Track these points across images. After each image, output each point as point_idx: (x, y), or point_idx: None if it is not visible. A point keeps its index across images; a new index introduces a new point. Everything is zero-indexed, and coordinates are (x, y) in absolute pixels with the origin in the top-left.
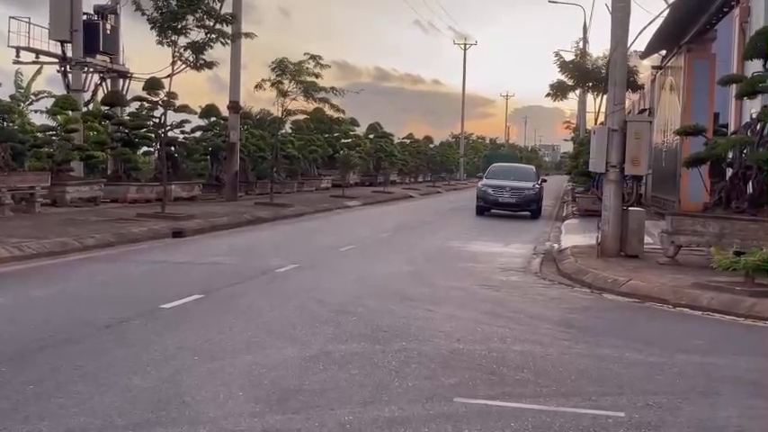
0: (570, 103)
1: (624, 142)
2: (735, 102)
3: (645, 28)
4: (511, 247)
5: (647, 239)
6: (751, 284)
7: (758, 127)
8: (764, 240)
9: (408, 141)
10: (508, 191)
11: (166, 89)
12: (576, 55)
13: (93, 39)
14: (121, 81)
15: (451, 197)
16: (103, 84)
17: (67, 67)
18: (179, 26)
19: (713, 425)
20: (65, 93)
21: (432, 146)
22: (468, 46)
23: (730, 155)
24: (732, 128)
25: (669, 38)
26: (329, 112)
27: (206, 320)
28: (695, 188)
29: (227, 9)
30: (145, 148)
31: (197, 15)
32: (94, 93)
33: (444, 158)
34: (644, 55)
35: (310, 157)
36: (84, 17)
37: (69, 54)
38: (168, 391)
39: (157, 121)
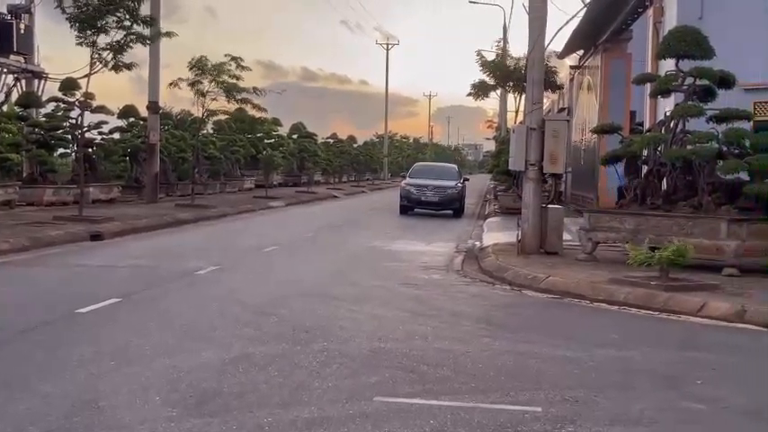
0: (492, 103)
1: (543, 141)
2: (649, 100)
3: (561, 28)
4: (433, 245)
5: (566, 236)
6: (665, 279)
7: (671, 125)
8: (678, 235)
9: (332, 141)
10: (431, 190)
11: (84, 90)
12: (497, 55)
13: (7, 39)
14: (37, 82)
15: (376, 197)
16: (18, 84)
17: None
18: (99, 25)
19: (627, 417)
20: None
21: (356, 146)
22: (390, 46)
23: (645, 152)
24: (647, 126)
25: (586, 38)
26: (251, 112)
27: (124, 324)
28: (613, 185)
29: (145, 8)
30: (61, 150)
31: (117, 15)
32: (8, 94)
33: (368, 158)
34: (562, 55)
35: (232, 157)
36: None
37: None
38: (83, 396)
39: (74, 122)
